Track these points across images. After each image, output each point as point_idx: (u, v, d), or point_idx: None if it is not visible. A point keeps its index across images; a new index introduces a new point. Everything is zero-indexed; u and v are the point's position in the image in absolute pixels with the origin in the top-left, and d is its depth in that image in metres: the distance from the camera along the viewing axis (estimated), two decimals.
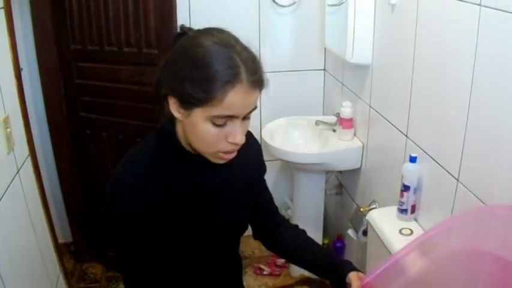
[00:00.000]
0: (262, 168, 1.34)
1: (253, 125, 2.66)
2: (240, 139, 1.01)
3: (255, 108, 1.04)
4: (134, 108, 2.27)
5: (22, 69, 1.74)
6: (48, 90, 2.45)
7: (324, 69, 2.74)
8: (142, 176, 1.06)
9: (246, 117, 1.03)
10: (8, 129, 1.48)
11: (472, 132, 1.39)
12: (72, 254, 2.83)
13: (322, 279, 2.64)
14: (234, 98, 0.96)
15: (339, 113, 2.30)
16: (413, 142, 1.75)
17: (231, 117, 0.99)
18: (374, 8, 1.97)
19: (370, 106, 2.12)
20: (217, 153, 1.04)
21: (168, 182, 1.08)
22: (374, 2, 1.96)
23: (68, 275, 2.12)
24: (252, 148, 1.27)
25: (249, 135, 1.23)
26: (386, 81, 1.96)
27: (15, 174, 1.54)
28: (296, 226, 1.41)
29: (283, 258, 1.42)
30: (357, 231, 2.10)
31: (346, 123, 2.27)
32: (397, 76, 1.84)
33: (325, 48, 2.62)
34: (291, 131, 2.57)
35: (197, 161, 1.09)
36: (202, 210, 1.15)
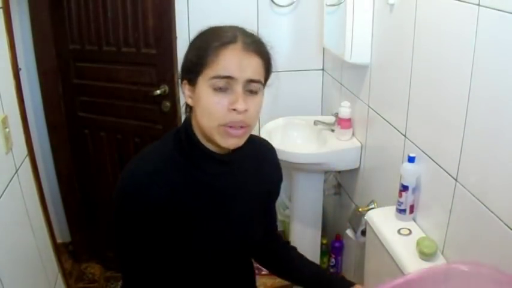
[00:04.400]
0: (279, 186, 1.34)
1: None
2: (241, 105, 1.01)
3: (260, 82, 1.06)
4: (133, 108, 2.27)
5: (20, 69, 1.74)
6: (46, 90, 2.45)
7: (323, 69, 2.74)
8: (152, 173, 1.06)
9: (251, 91, 1.04)
10: (7, 129, 1.48)
11: (470, 132, 1.39)
12: (70, 253, 2.83)
13: None
14: (228, 56, 1.01)
15: (337, 113, 2.30)
16: (412, 142, 1.75)
17: (229, 79, 1.00)
18: (372, 8, 1.97)
19: (368, 106, 2.12)
20: (224, 128, 1.03)
21: (180, 181, 1.07)
22: (372, 2, 1.96)
23: (66, 274, 2.12)
24: (272, 163, 1.29)
25: (271, 150, 1.29)
26: (385, 81, 1.96)
27: (14, 174, 1.54)
28: (288, 243, 1.42)
29: (278, 276, 1.42)
30: (355, 231, 2.10)
31: (344, 123, 2.27)
32: (396, 76, 1.84)
33: (323, 48, 2.62)
34: (289, 131, 2.57)
35: (212, 158, 1.10)
36: (210, 214, 1.13)
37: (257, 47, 1.07)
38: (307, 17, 2.60)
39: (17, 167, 1.58)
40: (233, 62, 1.01)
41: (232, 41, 1.02)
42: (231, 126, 1.03)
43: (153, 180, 1.05)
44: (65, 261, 2.43)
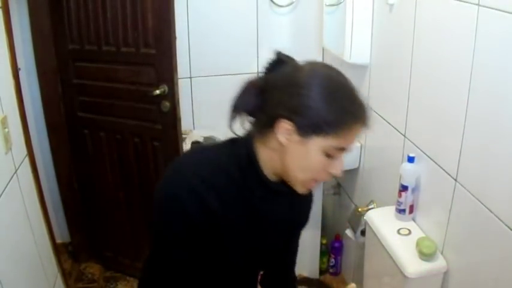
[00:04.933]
0: (307, 221, 1.34)
1: None
2: (341, 172, 1.04)
3: None
4: (132, 108, 2.26)
5: (20, 69, 1.74)
6: (46, 90, 2.44)
7: None
8: (208, 184, 1.03)
9: None
10: (6, 129, 1.48)
11: (470, 132, 1.39)
12: (70, 254, 2.82)
13: (320, 279, 2.65)
14: (355, 132, 1.00)
15: None
16: (412, 142, 1.75)
17: (342, 149, 1.01)
18: (372, 7, 1.97)
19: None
20: (311, 181, 1.05)
21: (229, 197, 1.06)
22: (372, 1, 1.96)
23: (65, 275, 2.12)
24: (308, 198, 1.28)
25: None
26: (385, 81, 1.96)
27: (13, 174, 1.54)
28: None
29: None
30: (355, 232, 2.10)
31: None
32: (395, 76, 1.84)
33: (323, 48, 2.62)
34: None
35: (265, 185, 1.09)
36: (246, 233, 1.14)
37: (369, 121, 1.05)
38: (306, 17, 2.60)
39: (17, 167, 1.58)
40: (354, 137, 1.01)
41: (364, 119, 1.01)
42: (316, 180, 1.05)
43: (208, 190, 1.03)
44: (64, 261, 2.43)
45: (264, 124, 1.03)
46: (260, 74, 1.09)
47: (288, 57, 1.08)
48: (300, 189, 1.07)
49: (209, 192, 1.02)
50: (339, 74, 1.05)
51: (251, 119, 1.09)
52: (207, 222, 1.04)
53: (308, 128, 0.97)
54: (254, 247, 1.18)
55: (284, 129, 0.99)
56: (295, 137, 0.99)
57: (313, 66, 1.06)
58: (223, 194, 1.05)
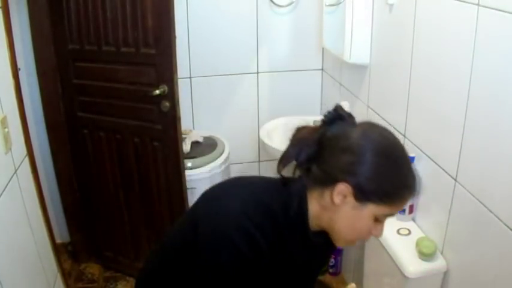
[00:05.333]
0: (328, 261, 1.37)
1: (251, 125, 2.68)
2: (381, 234, 1.07)
3: None
4: (132, 108, 2.26)
5: (20, 69, 1.74)
6: (45, 90, 2.44)
7: (322, 69, 2.74)
8: (263, 233, 1.03)
9: None
10: (6, 129, 1.48)
11: (470, 132, 1.39)
12: (69, 254, 2.82)
13: (320, 279, 2.64)
14: (406, 202, 1.04)
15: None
16: (411, 142, 1.75)
17: (390, 215, 1.04)
18: (372, 8, 1.97)
19: (368, 106, 2.12)
20: (353, 240, 1.08)
21: (273, 241, 1.06)
22: (372, 2, 1.96)
23: (65, 275, 2.12)
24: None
25: None
26: (384, 81, 1.96)
27: (13, 175, 1.54)
28: None
29: None
30: None
31: None
32: (395, 76, 1.84)
33: (323, 48, 2.62)
34: (288, 131, 2.56)
35: (310, 239, 1.11)
36: (279, 275, 1.15)
37: None
38: (306, 17, 2.60)
39: (16, 167, 1.58)
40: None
41: (416, 189, 1.04)
42: (357, 239, 1.08)
43: (264, 240, 1.03)
44: (64, 261, 2.43)
45: (321, 181, 1.04)
46: (317, 123, 1.10)
47: (347, 114, 1.08)
48: (341, 245, 1.11)
49: (256, 231, 1.02)
50: (393, 139, 1.05)
51: (303, 168, 1.08)
52: (255, 262, 1.05)
53: (366, 194, 0.99)
54: (281, 284, 1.19)
55: (342, 192, 1.00)
56: (351, 200, 1.00)
57: (369, 131, 1.05)
58: (268, 235, 1.04)
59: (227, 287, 1.07)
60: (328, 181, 1.01)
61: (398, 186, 1.00)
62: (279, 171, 1.08)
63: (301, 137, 1.08)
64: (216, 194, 1.13)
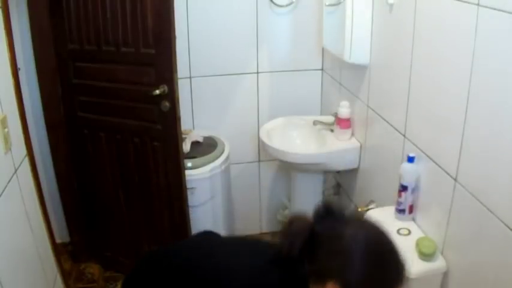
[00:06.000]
0: None
1: (251, 125, 2.68)
2: None
3: None
4: (132, 108, 2.26)
5: (19, 68, 1.74)
6: (45, 90, 2.44)
7: (322, 69, 2.74)
8: None
9: None
10: (6, 129, 1.48)
11: (470, 132, 1.39)
12: (69, 254, 2.82)
13: None
14: None
15: (336, 113, 2.30)
16: (411, 142, 1.75)
17: None
18: (372, 8, 1.97)
19: (368, 106, 2.12)
20: None
21: None
22: (372, 2, 1.96)
23: (65, 275, 2.12)
24: None
25: None
26: (384, 81, 1.96)
27: (13, 175, 1.54)
28: None
29: None
30: None
31: (343, 123, 2.27)
32: (395, 76, 1.84)
33: (323, 48, 2.62)
34: (288, 131, 2.57)
35: None
36: None
37: None
38: (306, 17, 2.60)
39: (16, 167, 1.58)
40: None
41: (403, 281, 1.05)
42: None
43: None
44: (64, 261, 2.42)
45: (314, 275, 1.06)
46: (308, 218, 1.10)
47: (338, 209, 1.10)
48: None
49: None
50: (383, 237, 1.07)
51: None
52: None
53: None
54: None
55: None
56: None
57: (360, 232, 1.07)
58: None
59: None
60: (319, 278, 1.04)
61: (388, 284, 1.03)
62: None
63: (293, 231, 1.10)
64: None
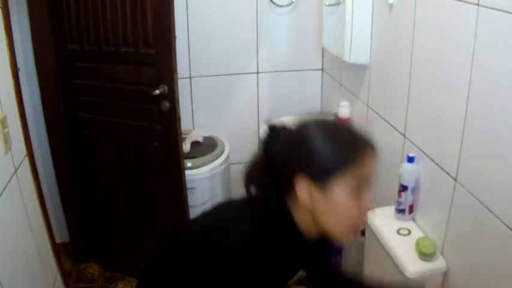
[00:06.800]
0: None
1: (251, 125, 2.67)
2: (373, 204, 1.03)
3: None
4: (132, 108, 2.26)
5: (19, 68, 1.74)
6: (45, 90, 2.44)
7: (322, 69, 2.74)
8: (250, 251, 1.01)
9: None
10: (6, 129, 1.48)
11: (470, 132, 1.39)
12: (69, 254, 2.82)
13: None
14: (367, 161, 0.99)
15: (336, 113, 2.30)
16: (411, 142, 1.75)
17: (366, 184, 1.00)
18: (372, 7, 1.97)
19: (368, 106, 2.12)
20: (351, 228, 1.04)
21: (266, 262, 1.04)
22: (372, 1, 1.96)
23: (65, 275, 2.12)
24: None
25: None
26: (384, 81, 1.96)
27: (13, 175, 1.54)
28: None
29: None
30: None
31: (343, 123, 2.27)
32: (395, 76, 1.84)
33: (322, 48, 2.62)
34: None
35: (304, 244, 1.09)
36: (279, 282, 1.15)
37: None
38: (306, 17, 2.60)
39: (16, 167, 1.58)
40: (373, 167, 1.01)
41: (370, 145, 1.02)
42: (355, 225, 1.04)
43: (259, 261, 1.01)
44: (63, 261, 2.43)
45: (284, 186, 1.03)
46: (260, 151, 1.09)
47: (280, 126, 1.08)
48: (344, 239, 1.06)
49: (258, 264, 1.01)
50: (332, 119, 1.08)
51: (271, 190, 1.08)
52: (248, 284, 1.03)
53: (322, 173, 0.97)
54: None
55: (303, 185, 0.99)
56: (315, 192, 0.98)
57: (306, 120, 1.06)
58: (264, 259, 1.02)
59: None
60: (288, 185, 1.01)
61: (347, 147, 0.98)
62: (247, 193, 1.09)
63: (250, 170, 1.09)
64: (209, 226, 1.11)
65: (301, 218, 1.05)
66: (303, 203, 1.00)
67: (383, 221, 1.79)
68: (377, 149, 1.02)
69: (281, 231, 1.06)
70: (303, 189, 0.99)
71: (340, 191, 0.97)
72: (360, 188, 0.99)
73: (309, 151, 0.98)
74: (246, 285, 1.02)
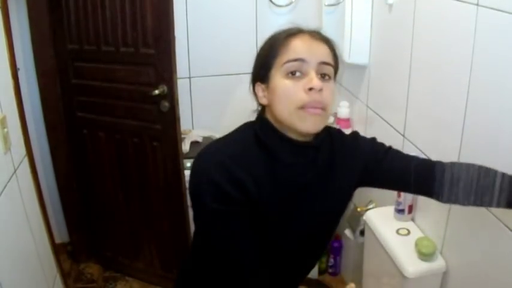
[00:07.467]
0: (374, 149, 1.25)
1: None
2: (317, 83, 1.03)
3: (331, 65, 1.10)
4: (131, 108, 2.26)
5: (19, 69, 1.74)
6: (45, 90, 2.44)
7: None
8: (235, 157, 1.06)
9: (324, 75, 1.07)
10: (5, 129, 1.48)
11: (469, 131, 1.39)
12: (69, 254, 2.82)
13: (320, 279, 2.64)
14: (298, 42, 1.07)
15: (336, 113, 2.30)
16: (411, 142, 1.75)
17: (302, 62, 1.05)
18: (371, 8, 1.97)
19: (367, 106, 2.12)
20: (302, 110, 1.04)
21: (259, 173, 1.07)
22: (371, 1, 1.96)
23: (65, 275, 2.12)
24: (350, 147, 1.23)
25: (350, 136, 1.26)
26: (384, 81, 1.96)
27: (12, 175, 1.54)
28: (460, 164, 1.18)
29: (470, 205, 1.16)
30: (354, 231, 2.10)
31: (343, 123, 2.27)
32: (395, 76, 1.84)
33: None
34: None
35: (289, 144, 1.10)
36: (289, 208, 1.13)
37: (323, 36, 1.14)
38: (305, 17, 2.60)
39: (16, 167, 1.58)
40: (303, 46, 1.07)
41: (299, 31, 1.10)
42: (309, 108, 1.04)
43: (237, 163, 1.05)
44: (63, 261, 2.43)
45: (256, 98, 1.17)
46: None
47: None
48: (303, 126, 1.05)
49: (237, 167, 1.04)
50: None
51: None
52: (245, 203, 1.04)
53: (262, 71, 1.10)
54: (308, 222, 1.17)
55: (259, 91, 1.13)
56: (265, 90, 1.11)
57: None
58: (254, 170, 1.06)
59: (230, 233, 1.07)
60: (256, 89, 1.16)
61: (274, 38, 1.12)
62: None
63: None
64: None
65: (274, 121, 1.11)
66: (262, 102, 1.13)
67: (382, 221, 1.79)
68: (300, 30, 1.11)
69: (266, 138, 1.11)
70: (260, 94, 1.13)
71: (277, 79, 1.07)
72: (296, 70, 1.05)
73: (254, 62, 1.15)
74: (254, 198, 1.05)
